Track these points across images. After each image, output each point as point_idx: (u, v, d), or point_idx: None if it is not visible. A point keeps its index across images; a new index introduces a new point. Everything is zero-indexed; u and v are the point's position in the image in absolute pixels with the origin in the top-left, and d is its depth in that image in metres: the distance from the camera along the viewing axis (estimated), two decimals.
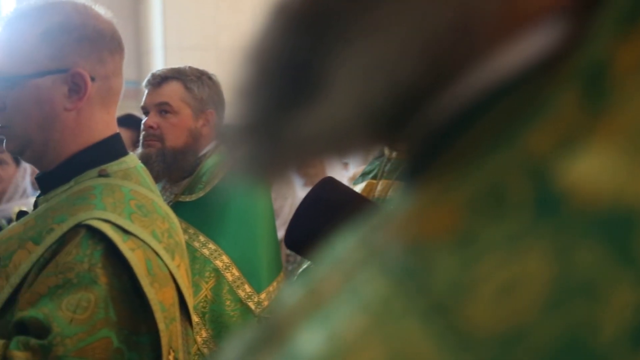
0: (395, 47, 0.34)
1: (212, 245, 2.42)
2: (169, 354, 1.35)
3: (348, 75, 0.35)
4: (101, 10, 1.46)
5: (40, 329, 1.27)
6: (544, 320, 0.28)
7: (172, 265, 1.40)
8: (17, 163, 3.71)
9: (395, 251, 0.33)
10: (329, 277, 0.35)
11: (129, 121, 3.57)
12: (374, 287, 0.32)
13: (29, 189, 3.80)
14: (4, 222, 3.59)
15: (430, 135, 0.36)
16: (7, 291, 1.35)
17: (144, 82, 2.53)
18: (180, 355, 1.39)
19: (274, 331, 0.37)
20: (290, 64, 0.36)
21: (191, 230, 2.41)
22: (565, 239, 0.29)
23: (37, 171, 1.52)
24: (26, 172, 3.76)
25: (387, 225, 0.35)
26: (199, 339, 2.31)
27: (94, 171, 1.43)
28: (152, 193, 1.47)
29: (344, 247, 0.37)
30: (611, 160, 0.29)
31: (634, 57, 0.31)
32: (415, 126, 0.37)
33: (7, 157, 3.67)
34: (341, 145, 0.37)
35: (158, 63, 6.15)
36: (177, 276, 1.41)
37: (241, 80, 0.38)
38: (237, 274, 2.42)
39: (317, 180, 3.49)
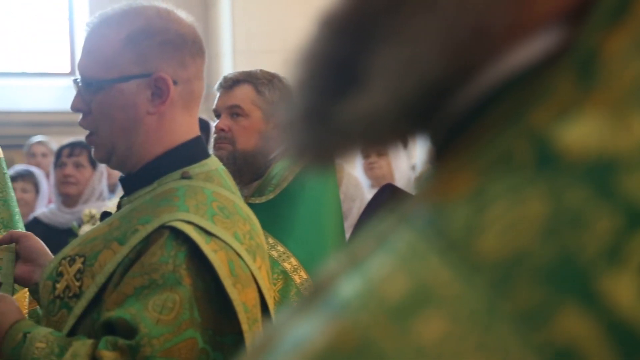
0: (425, 48, 0.41)
1: (280, 248, 2.42)
2: None
3: (385, 71, 0.41)
4: (182, 14, 1.48)
5: (127, 329, 1.30)
6: (541, 246, 0.35)
7: (254, 267, 1.41)
8: (94, 166, 3.79)
9: (421, 211, 0.40)
10: (366, 243, 0.42)
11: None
12: (401, 238, 0.39)
13: (105, 191, 3.87)
14: (74, 224, 3.67)
15: (453, 122, 0.43)
16: (92, 290, 1.38)
17: (216, 86, 2.55)
18: None
19: (316, 291, 0.42)
20: (337, 62, 0.43)
21: None
22: (559, 185, 0.36)
23: (112, 174, 1.54)
24: (102, 176, 3.84)
25: (416, 197, 0.42)
26: None
27: (177, 173, 1.45)
28: (234, 195, 1.48)
29: (381, 223, 0.43)
30: (598, 125, 0.37)
31: (618, 45, 0.38)
32: (441, 115, 0.43)
33: (84, 160, 3.75)
34: (379, 132, 0.43)
35: (227, 66, 6.21)
36: (258, 277, 1.41)
37: (295, 79, 0.45)
38: (305, 276, 2.41)
39: (384, 182, 3.49)
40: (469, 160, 0.40)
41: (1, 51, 7.34)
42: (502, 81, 0.41)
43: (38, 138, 5.35)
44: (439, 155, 0.44)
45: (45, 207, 3.97)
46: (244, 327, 1.34)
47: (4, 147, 2.07)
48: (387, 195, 1.81)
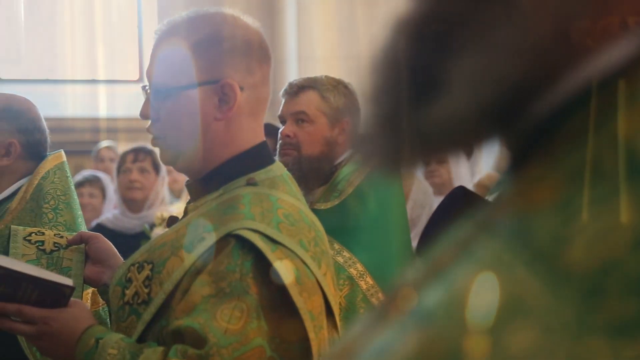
0: (504, 53, 0.40)
1: (346, 253, 2.42)
2: None
3: (464, 77, 0.41)
4: (249, 20, 1.48)
5: (196, 338, 1.30)
6: (631, 256, 0.34)
7: (319, 274, 1.40)
8: (157, 171, 3.84)
9: (503, 221, 0.39)
10: (446, 251, 0.41)
11: (267, 130, 3.61)
12: (485, 248, 0.38)
13: (167, 196, 3.92)
14: (146, 227, 3.73)
15: (534, 128, 0.42)
16: (160, 297, 1.39)
17: (281, 92, 2.56)
18: None
19: (395, 300, 0.42)
20: (415, 69, 0.43)
21: None
22: None
23: (179, 180, 1.55)
24: (164, 180, 3.89)
25: (495, 206, 0.41)
26: None
27: (242, 179, 1.45)
28: (299, 201, 1.48)
29: (459, 230, 0.42)
30: None
31: None
32: (521, 120, 0.42)
33: (148, 165, 3.81)
34: (459, 137, 0.43)
35: (292, 73, 6.25)
36: (323, 284, 1.40)
37: (371, 87, 0.45)
38: (371, 282, 2.40)
39: (443, 189, 3.43)
40: (552, 169, 0.39)
41: (72, 59, 7.51)
42: (585, 87, 0.41)
43: (105, 143, 5.45)
44: (519, 162, 0.44)
45: (109, 213, 4.03)
46: (311, 335, 1.33)
47: (74, 153, 2.11)
48: (460, 199, 1.76)
